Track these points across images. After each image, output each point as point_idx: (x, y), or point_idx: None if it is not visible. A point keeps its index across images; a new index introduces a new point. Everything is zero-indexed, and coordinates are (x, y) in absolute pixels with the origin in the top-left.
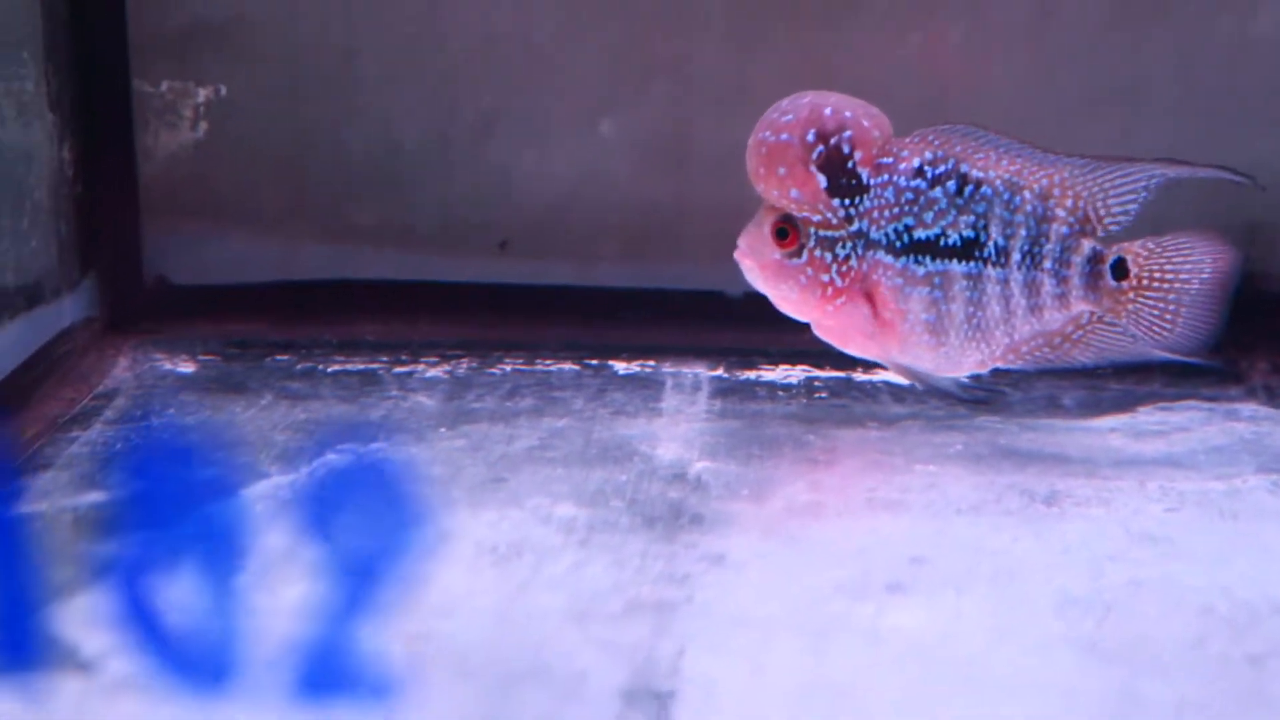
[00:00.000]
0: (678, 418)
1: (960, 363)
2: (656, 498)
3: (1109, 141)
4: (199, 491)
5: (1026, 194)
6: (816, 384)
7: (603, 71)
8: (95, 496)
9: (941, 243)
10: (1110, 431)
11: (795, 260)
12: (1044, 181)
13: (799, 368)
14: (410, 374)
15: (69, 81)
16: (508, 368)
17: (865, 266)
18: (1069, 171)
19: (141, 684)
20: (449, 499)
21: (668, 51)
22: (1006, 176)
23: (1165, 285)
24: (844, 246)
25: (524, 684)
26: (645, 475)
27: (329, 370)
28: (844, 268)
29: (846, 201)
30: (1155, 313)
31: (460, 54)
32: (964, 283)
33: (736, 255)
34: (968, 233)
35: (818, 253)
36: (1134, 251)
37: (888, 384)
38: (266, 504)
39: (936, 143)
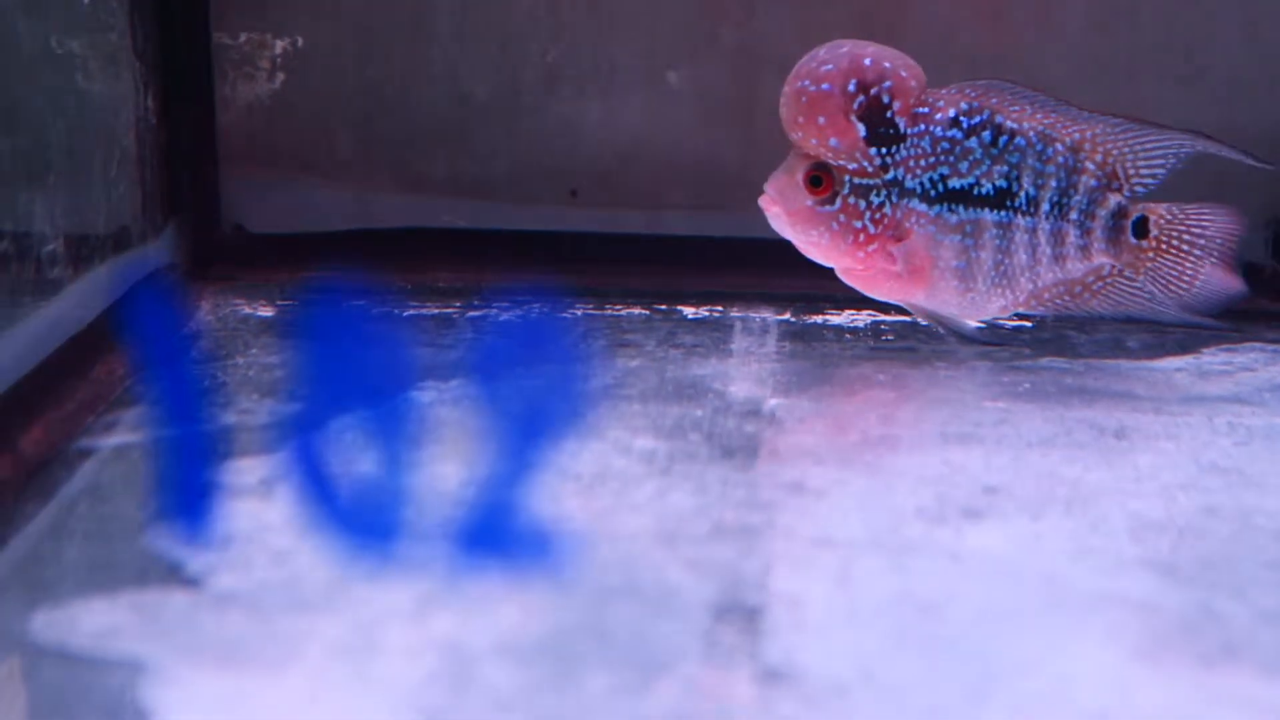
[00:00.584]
0: (748, 358)
1: (985, 308)
2: (733, 431)
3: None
4: (286, 425)
5: (1059, 145)
6: (883, 327)
7: (669, 22)
8: (189, 427)
9: (975, 191)
10: (1176, 371)
11: (828, 207)
12: (1076, 135)
13: (864, 312)
14: (484, 318)
15: (152, 32)
16: (579, 312)
17: (899, 214)
18: (1102, 129)
19: (244, 598)
20: (530, 432)
21: (734, 1)
22: (1040, 128)
23: (1184, 250)
24: (879, 194)
25: (618, 598)
26: (720, 411)
27: (405, 314)
28: (877, 215)
29: (883, 150)
30: (1173, 274)
31: (527, 9)
32: (994, 231)
33: (762, 201)
34: (1001, 182)
35: (851, 200)
36: (1157, 213)
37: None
38: (351, 435)
39: (972, 94)
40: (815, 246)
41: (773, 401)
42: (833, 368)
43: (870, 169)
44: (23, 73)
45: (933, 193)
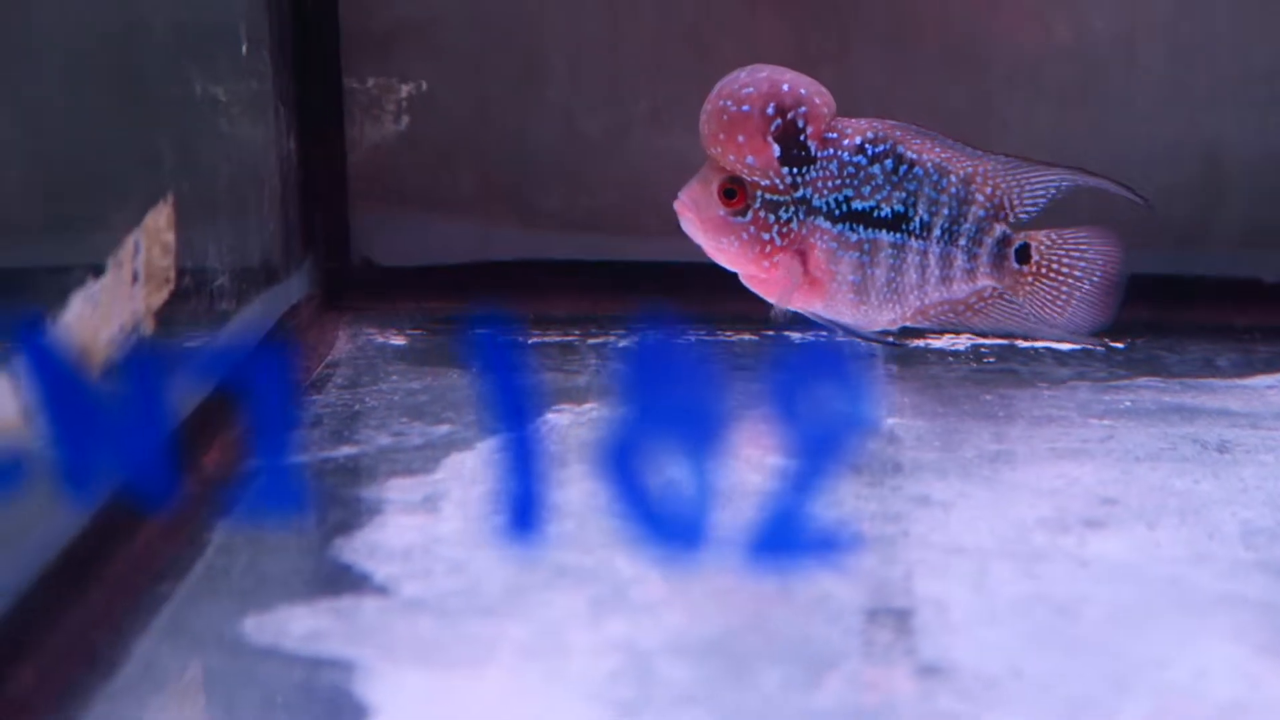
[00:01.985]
0: (860, 379)
1: (876, 320)
2: (857, 449)
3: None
4: (439, 445)
5: (953, 177)
6: (983, 350)
7: (770, 62)
8: (347, 450)
9: (875, 214)
10: (1268, 389)
11: (739, 219)
12: (969, 169)
13: (964, 336)
14: (604, 344)
15: (292, 78)
16: (692, 338)
17: (804, 230)
18: (992, 165)
19: (431, 604)
20: (670, 451)
21: (828, 45)
22: (937, 161)
23: (1062, 274)
24: (787, 210)
25: (774, 604)
26: (842, 429)
27: (529, 342)
28: (785, 229)
29: (795, 170)
30: (1049, 297)
31: (633, 51)
32: (889, 251)
33: (677, 206)
34: (898, 207)
35: (762, 213)
36: (1038, 239)
37: (1050, 350)
38: (501, 455)
39: (878, 125)
40: (723, 253)
41: (889, 421)
42: (940, 389)
43: (781, 186)
44: (195, 120)
45: (836, 212)
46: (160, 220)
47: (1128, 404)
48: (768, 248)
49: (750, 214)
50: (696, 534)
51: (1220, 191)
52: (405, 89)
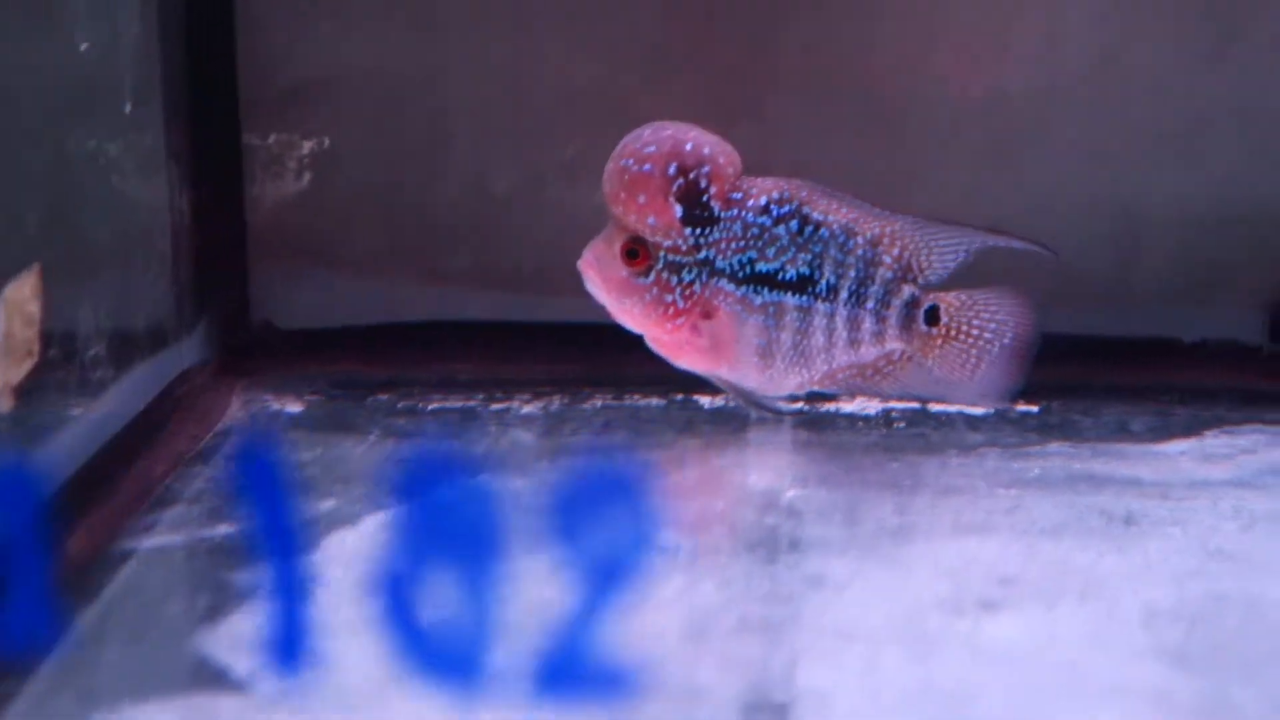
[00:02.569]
0: (765, 448)
1: (782, 384)
2: (754, 524)
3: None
4: (322, 522)
5: (859, 239)
6: (894, 414)
7: (684, 117)
8: (224, 528)
9: (779, 276)
10: (1180, 455)
11: (642, 279)
12: (876, 230)
13: (875, 400)
14: (506, 410)
15: (186, 134)
16: (598, 403)
17: (708, 292)
18: (899, 225)
19: (292, 701)
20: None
21: (745, 100)
22: (843, 221)
23: (971, 337)
24: (690, 271)
25: (647, 699)
26: (740, 503)
27: (429, 408)
28: (688, 291)
29: (697, 231)
30: (959, 360)
31: (544, 105)
32: (795, 314)
33: (581, 265)
34: (804, 269)
35: (664, 275)
36: (947, 301)
37: (963, 414)
38: (387, 534)
39: (784, 185)
40: (627, 315)
41: (791, 493)
42: (847, 457)
43: (684, 247)
44: (70, 180)
45: (740, 274)
46: (24, 290)
47: (1036, 472)
48: (670, 309)
49: (653, 275)
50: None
51: (1137, 250)
52: (308, 145)
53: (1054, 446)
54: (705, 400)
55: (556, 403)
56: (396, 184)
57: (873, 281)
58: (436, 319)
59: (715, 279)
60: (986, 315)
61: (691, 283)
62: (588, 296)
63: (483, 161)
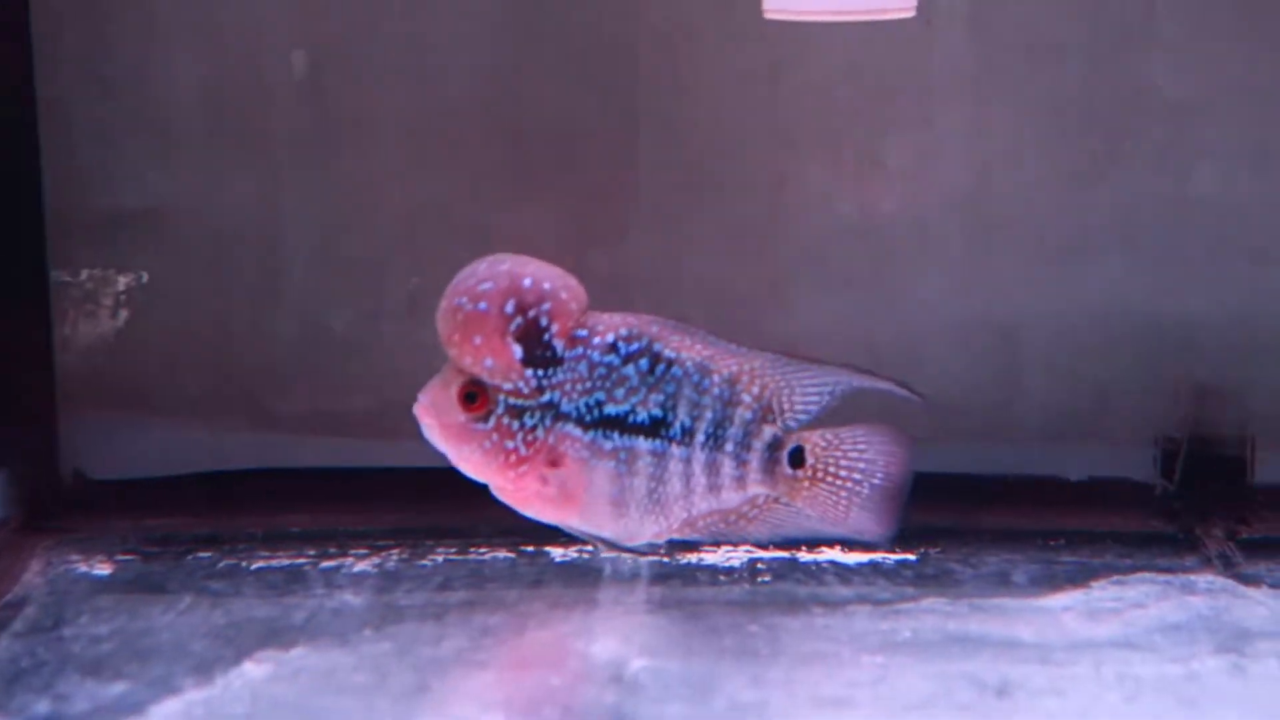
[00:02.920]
0: (615, 610)
1: (638, 533)
2: (592, 703)
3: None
4: (105, 713)
5: (715, 377)
6: (759, 565)
7: (537, 245)
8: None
9: (630, 419)
10: (1063, 611)
11: (481, 425)
12: (734, 368)
13: (741, 549)
14: (337, 569)
15: None
16: (439, 558)
17: (552, 438)
18: (760, 363)
19: None
20: (372, 710)
21: (603, 226)
22: (698, 359)
23: (840, 478)
24: (532, 416)
25: None
26: (580, 677)
27: (253, 567)
28: (530, 437)
29: (540, 372)
30: (829, 501)
31: (385, 235)
32: (649, 459)
33: (416, 410)
34: (656, 411)
35: (505, 420)
36: (812, 441)
37: (834, 564)
38: None
39: (632, 321)
40: (466, 463)
41: (637, 664)
42: (703, 618)
43: (526, 390)
44: None
45: (588, 418)
46: None
47: (907, 634)
48: (512, 457)
49: (493, 420)
50: None
51: (1018, 377)
52: (124, 281)
53: (929, 602)
54: (557, 553)
55: (394, 558)
56: (223, 321)
57: (731, 423)
58: (266, 467)
59: (561, 424)
60: (855, 454)
61: (535, 428)
62: (426, 440)
63: (318, 296)
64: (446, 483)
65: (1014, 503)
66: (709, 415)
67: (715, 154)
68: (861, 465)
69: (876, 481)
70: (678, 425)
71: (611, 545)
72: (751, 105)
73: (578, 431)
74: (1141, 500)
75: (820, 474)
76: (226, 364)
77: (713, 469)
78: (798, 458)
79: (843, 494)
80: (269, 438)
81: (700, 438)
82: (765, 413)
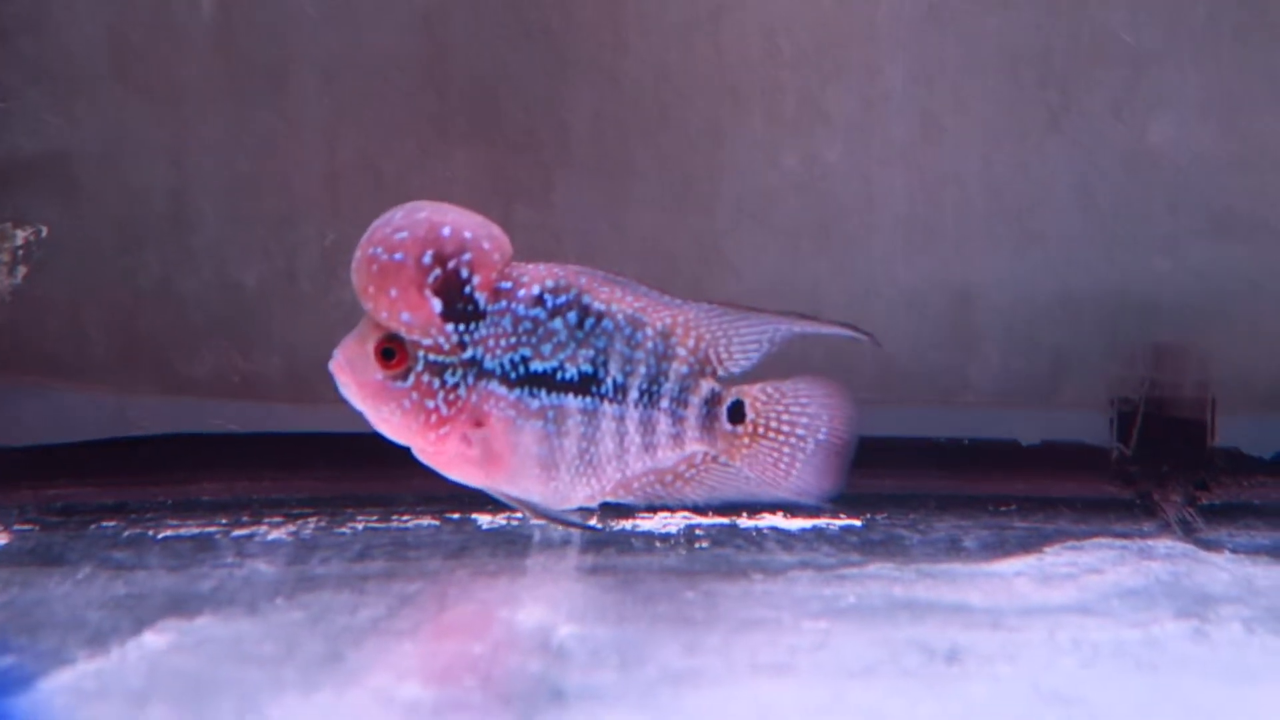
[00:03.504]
0: (544, 577)
1: (570, 496)
2: (514, 671)
3: (1007, 259)
4: None
5: (649, 330)
6: (697, 532)
7: (463, 197)
8: None
9: (558, 376)
10: (1016, 576)
11: (400, 383)
12: (667, 320)
13: (678, 515)
14: (250, 537)
15: None
16: (359, 526)
17: (475, 397)
18: (694, 314)
19: None
20: (278, 681)
21: (530, 178)
22: (629, 311)
23: (782, 434)
24: (454, 374)
25: None
26: (503, 645)
27: (160, 536)
28: (451, 396)
29: (461, 327)
30: (770, 459)
31: (302, 186)
32: (579, 418)
33: (332, 367)
34: (585, 367)
35: (425, 378)
36: (752, 395)
37: (775, 530)
38: (67, 697)
39: (559, 273)
40: (386, 424)
41: (564, 631)
42: (637, 585)
43: (446, 346)
44: None
45: (513, 375)
46: None
47: (852, 600)
48: (433, 417)
49: (412, 378)
50: None
51: (972, 340)
52: (22, 235)
53: (875, 568)
54: (484, 520)
55: (311, 526)
56: (130, 278)
57: (666, 378)
58: (176, 432)
59: (484, 381)
60: (797, 409)
61: (456, 386)
62: (346, 404)
63: (231, 251)
64: (368, 448)
65: (966, 468)
66: (642, 371)
67: (653, 104)
68: (804, 420)
69: (820, 437)
70: (609, 382)
71: (540, 512)
72: (691, 54)
73: (502, 390)
74: (1098, 465)
75: (761, 430)
76: (133, 324)
77: (648, 427)
78: (737, 413)
79: (785, 450)
80: (179, 402)
81: (634, 394)
82: (702, 365)
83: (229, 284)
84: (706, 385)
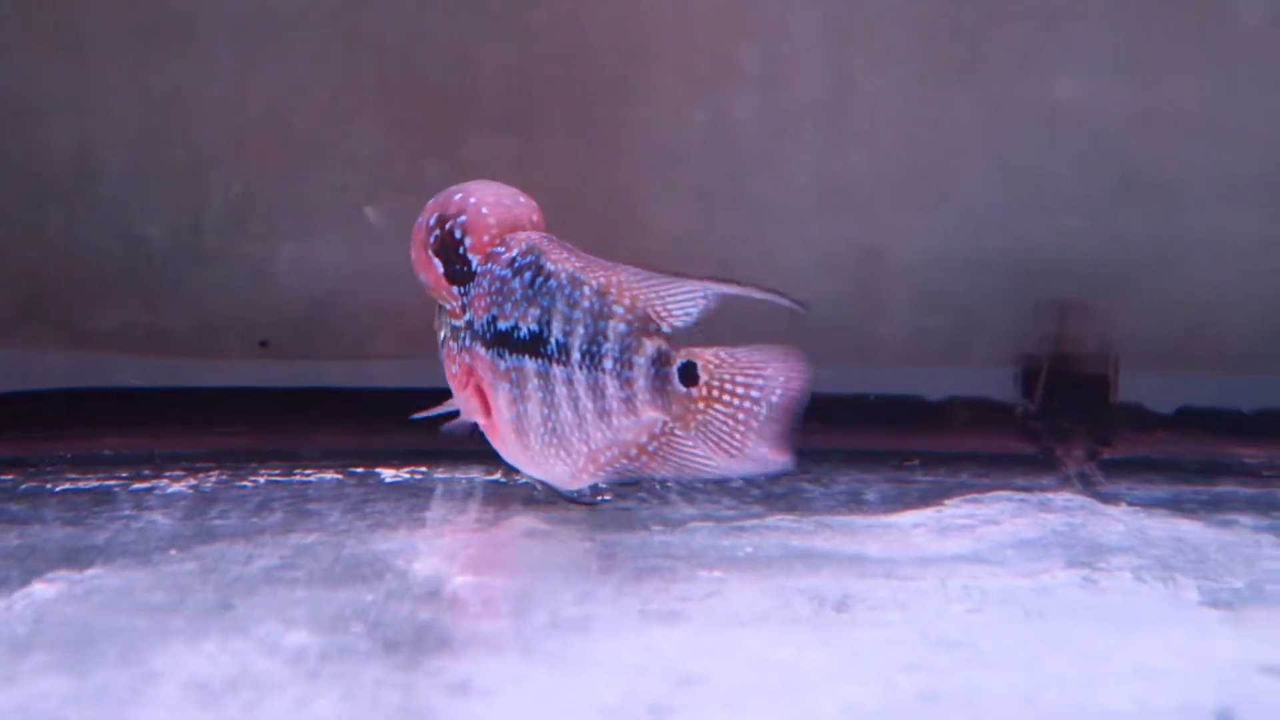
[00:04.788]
0: (443, 528)
1: (548, 469)
2: (404, 619)
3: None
4: None
5: (586, 289)
6: (601, 487)
7: (371, 155)
8: None
9: (515, 335)
10: (914, 528)
11: (442, 348)
12: (602, 279)
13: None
14: (150, 490)
15: None
16: (261, 479)
17: (469, 359)
18: (627, 275)
19: None
20: (165, 629)
21: (438, 135)
22: (570, 270)
23: (737, 396)
24: (462, 336)
25: None
26: (395, 594)
27: (57, 489)
28: (464, 359)
29: (461, 290)
30: (725, 427)
31: (209, 138)
32: (536, 381)
33: None
34: (534, 326)
35: (450, 342)
36: (705, 358)
37: (679, 483)
38: None
39: (536, 238)
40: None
41: (458, 580)
42: (536, 537)
43: (457, 309)
44: None
45: (488, 335)
46: None
47: (748, 550)
48: (457, 383)
49: (445, 343)
50: None
51: (880, 297)
52: None
53: (775, 520)
54: (388, 474)
55: (213, 479)
56: (31, 230)
57: (605, 337)
58: (78, 387)
59: (475, 343)
60: (752, 374)
61: (463, 349)
62: (256, 359)
63: (135, 203)
64: (273, 402)
65: (871, 423)
66: (581, 330)
67: (563, 60)
68: (760, 383)
69: (775, 399)
70: (553, 341)
71: (556, 491)
72: (603, 9)
73: (482, 351)
74: (1002, 421)
75: (716, 392)
76: (35, 277)
77: (597, 391)
78: (690, 375)
79: (740, 415)
80: (82, 356)
81: (576, 355)
82: (643, 324)
83: (134, 237)
84: (651, 345)
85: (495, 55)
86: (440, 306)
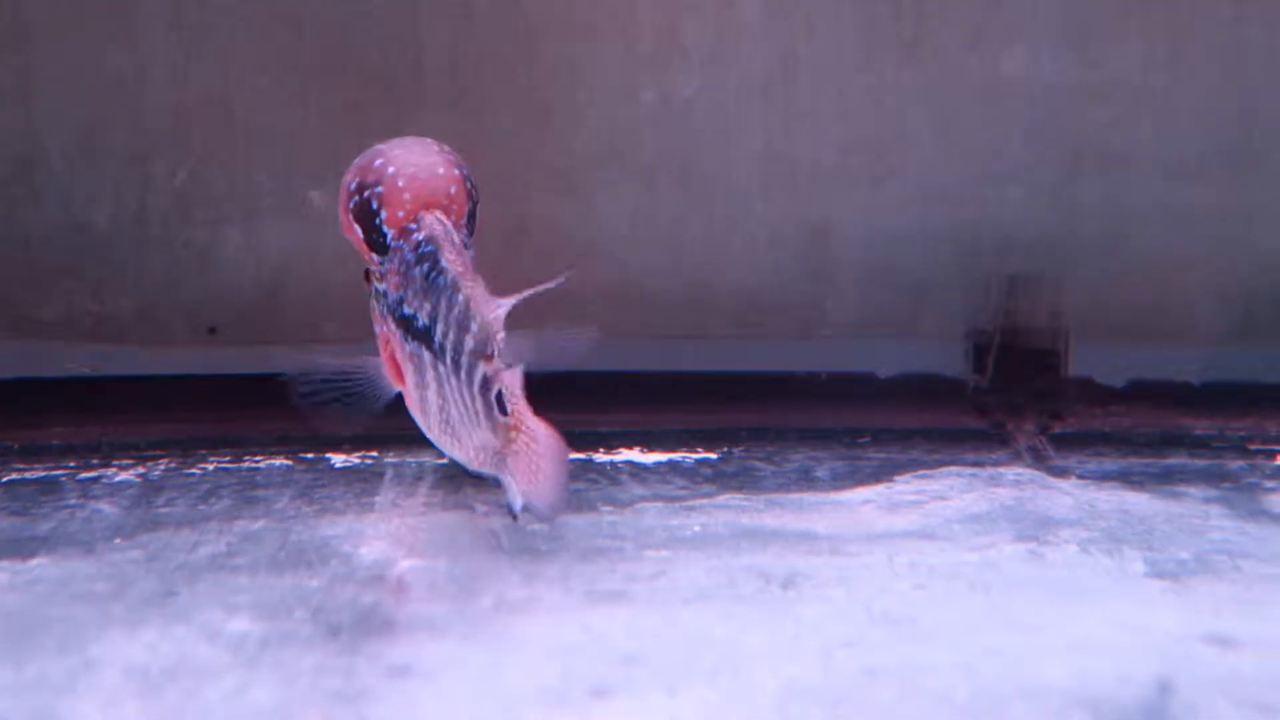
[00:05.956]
0: (390, 513)
1: (450, 451)
2: (347, 604)
3: (864, 192)
4: None
5: (459, 297)
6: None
7: (316, 139)
8: None
9: (415, 324)
10: (863, 504)
11: (371, 309)
12: (468, 291)
13: None
14: (97, 479)
15: None
16: (210, 466)
17: (387, 328)
18: (479, 292)
19: None
20: (106, 618)
21: (378, 114)
22: (453, 275)
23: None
24: (381, 304)
25: None
26: (340, 579)
27: (3, 480)
28: (383, 325)
29: (380, 259)
30: (525, 460)
31: (152, 121)
32: (431, 372)
33: None
34: (426, 321)
35: (374, 302)
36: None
37: (630, 463)
38: None
39: (440, 226)
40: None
41: (404, 564)
42: (484, 519)
43: (379, 275)
44: None
45: (397, 314)
46: None
47: (696, 529)
48: (381, 345)
49: (371, 303)
50: None
51: (829, 274)
52: None
53: (725, 499)
54: (338, 459)
55: (161, 467)
56: None
57: (461, 351)
58: (24, 376)
59: (389, 317)
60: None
61: (383, 317)
62: (205, 346)
63: (79, 189)
64: (221, 389)
65: (822, 401)
66: (451, 336)
67: (509, 39)
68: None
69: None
70: (436, 341)
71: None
72: None
73: (394, 327)
74: (953, 396)
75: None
76: None
77: (467, 395)
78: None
79: (535, 449)
80: (27, 344)
81: (448, 359)
82: (484, 345)
83: (78, 224)
84: (481, 368)
85: (439, 35)
86: (366, 268)
